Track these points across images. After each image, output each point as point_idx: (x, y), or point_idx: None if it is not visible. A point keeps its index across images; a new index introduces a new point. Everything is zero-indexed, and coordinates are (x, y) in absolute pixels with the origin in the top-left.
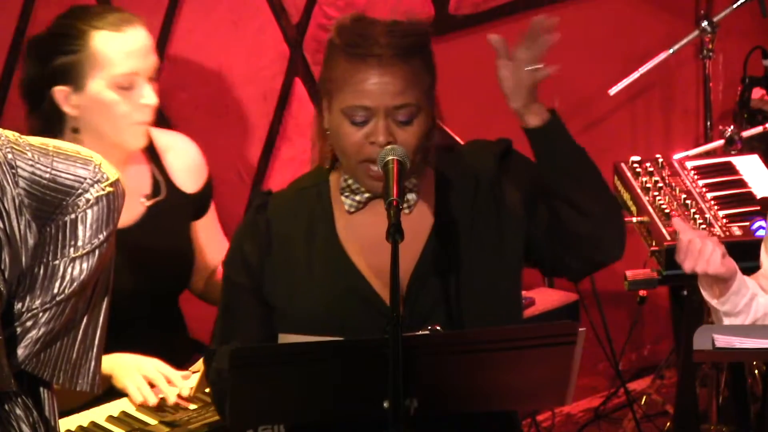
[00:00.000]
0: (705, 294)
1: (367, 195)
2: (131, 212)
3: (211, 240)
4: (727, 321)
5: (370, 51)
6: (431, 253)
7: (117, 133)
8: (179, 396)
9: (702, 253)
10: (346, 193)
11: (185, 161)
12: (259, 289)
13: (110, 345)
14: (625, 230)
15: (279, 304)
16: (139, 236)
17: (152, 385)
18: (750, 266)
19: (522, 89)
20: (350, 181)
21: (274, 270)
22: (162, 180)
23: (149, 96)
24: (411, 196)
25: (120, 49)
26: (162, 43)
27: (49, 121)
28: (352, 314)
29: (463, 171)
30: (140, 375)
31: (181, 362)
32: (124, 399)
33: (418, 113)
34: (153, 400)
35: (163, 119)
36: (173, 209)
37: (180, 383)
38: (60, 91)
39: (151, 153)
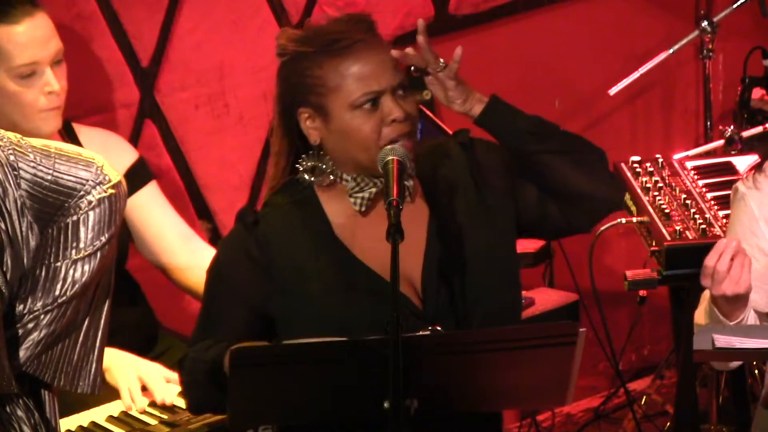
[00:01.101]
0: (719, 313)
1: (373, 190)
2: None
3: (157, 216)
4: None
5: (352, 39)
6: (436, 245)
7: (27, 121)
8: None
9: (732, 276)
10: (356, 192)
11: (107, 147)
12: (255, 301)
13: None
14: (612, 174)
15: (289, 313)
16: None
17: (144, 388)
18: None
19: (450, 91)
20: (358, 179)
21: (282, 282)
22: None
23: (52, 83)
24: (410, 184)
25: (16, 41)
26: (162, 43)
27: None
28: (370, 308)
29: (433, 158)
30: (136, 376)
31: (139, 347)
32: None
33: (408, 86)
34: (140, 406)
35: (162, 119)
36: None
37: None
38: None
39: (72, 139)
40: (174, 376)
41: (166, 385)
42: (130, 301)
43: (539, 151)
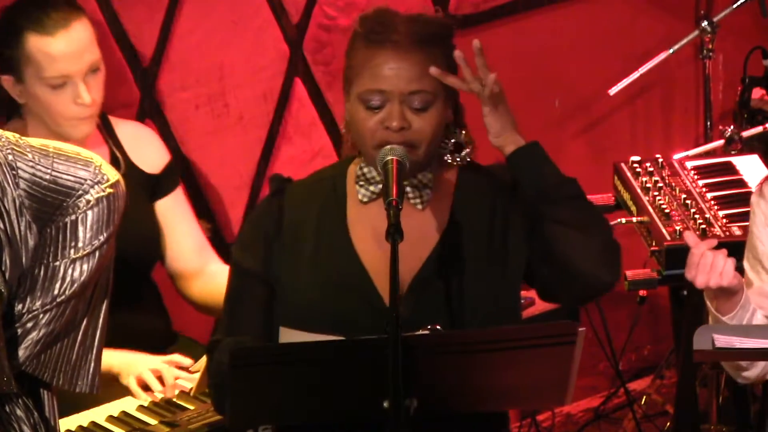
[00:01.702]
0: (712, 308)
1: (380, 186)
2: None
3: (179, 222)
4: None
5: (388, 37)
6: (439, 257)
7: (56, 126)
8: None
9: (714, 266)
10: (361, 182)
11: (143, 142)
12: (266, 274)
13: None
14: (617, 254)
15: (280, 292)
16: None
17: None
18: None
19: (485, 116)
20: (365, 170)
21: (280, 256)
22: (120, 157)
23: (84, 95)
24: (426, 192)
25: (49, 53)
26: (162, 43)
27: (4, 105)
28: (351, 310)
29: (485, 179)
30: (147, 370)
31: (153, 348)
32: (124, 399)
33: (434, 102)
34: (158, 387)
35: (162, 119)
36: (132, 186)
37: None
38: (6, 80)
39: (110, 133)
40: (187, 361)
41: (173, 382)
42: (155, 307)
43: (550, 217)
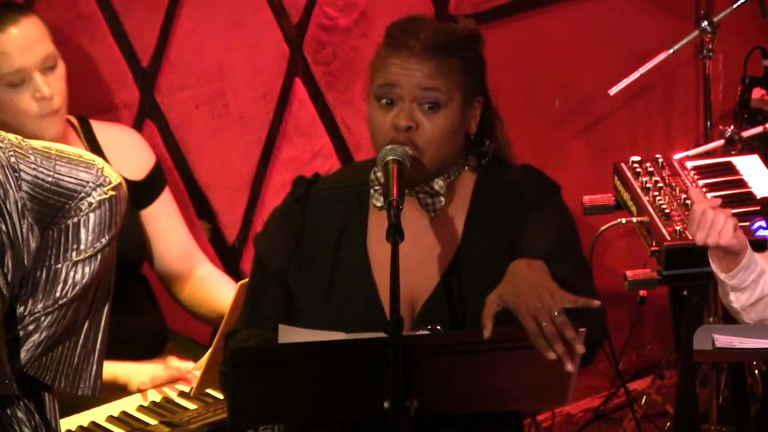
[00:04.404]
0: (714, 267)
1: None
2: None
3: (167, 229)
4: (733, 296)
5: (405, 42)
6: (451, 279)
7: (23, 126)
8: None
9: (715, 224)
10: (376, 186)
11: (125, 147)
12: (285, 277)
13: None
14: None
15: (294, 300)
16: None
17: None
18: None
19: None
20: (379, 174)
21: (300, 266)
22: None
23: (42, 88)
24: (438, 200)
25: (2, 51)
26: (162, 43)
27: None
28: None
29: (508, 188)
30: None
31: (147, 350)
32: (125, 399)
33: (447, 104)
34: (163, 375)
35: (162, 119)
36: None
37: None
38: None
39: (89, 139)
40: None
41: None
42: (147, 305)
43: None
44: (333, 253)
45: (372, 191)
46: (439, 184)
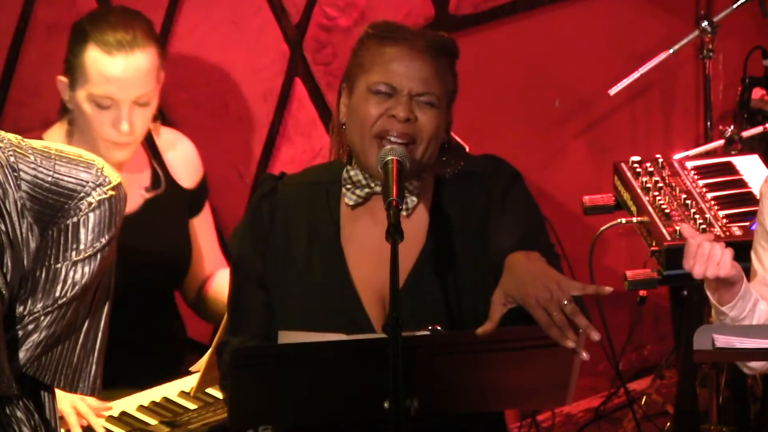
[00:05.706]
0: (712, 299)
1: (367, 190)
2: (130, 203)
3: (206, 241)
4: (730, 322)
5: (402, 36)
6: (427, 258)
7: (93, 141)
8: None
9: (712, 256)
10: (348, 185)
11: (183, 156)
12: (263, 279)
13: None
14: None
15: (272, 299)
16: (137, 228)
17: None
18: (750, 266)
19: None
20: (352, 173)
21: (272, 263)
22: (162, 174)
23: (124, 124)
24: (412, 200)
25: (101, 72)
26: (162, 43)
27: (63, 103)
28: (337, 328)
29: (470, 176)
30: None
31: (174, 361)
32: (125, 399)
33: (438, 106)
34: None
35: (162, 119)
36: (171, 203)
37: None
38: (60, 81)
39: (152, 147)
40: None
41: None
42: (171, 313)
43: None
44: (306, 252)
45: (344, 189)
46: (413, 184)
